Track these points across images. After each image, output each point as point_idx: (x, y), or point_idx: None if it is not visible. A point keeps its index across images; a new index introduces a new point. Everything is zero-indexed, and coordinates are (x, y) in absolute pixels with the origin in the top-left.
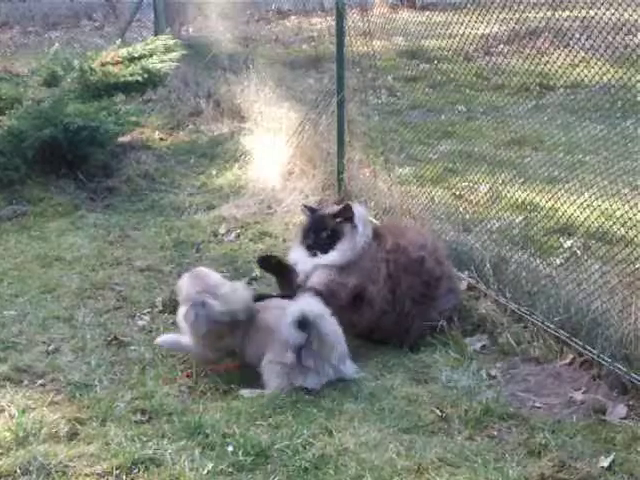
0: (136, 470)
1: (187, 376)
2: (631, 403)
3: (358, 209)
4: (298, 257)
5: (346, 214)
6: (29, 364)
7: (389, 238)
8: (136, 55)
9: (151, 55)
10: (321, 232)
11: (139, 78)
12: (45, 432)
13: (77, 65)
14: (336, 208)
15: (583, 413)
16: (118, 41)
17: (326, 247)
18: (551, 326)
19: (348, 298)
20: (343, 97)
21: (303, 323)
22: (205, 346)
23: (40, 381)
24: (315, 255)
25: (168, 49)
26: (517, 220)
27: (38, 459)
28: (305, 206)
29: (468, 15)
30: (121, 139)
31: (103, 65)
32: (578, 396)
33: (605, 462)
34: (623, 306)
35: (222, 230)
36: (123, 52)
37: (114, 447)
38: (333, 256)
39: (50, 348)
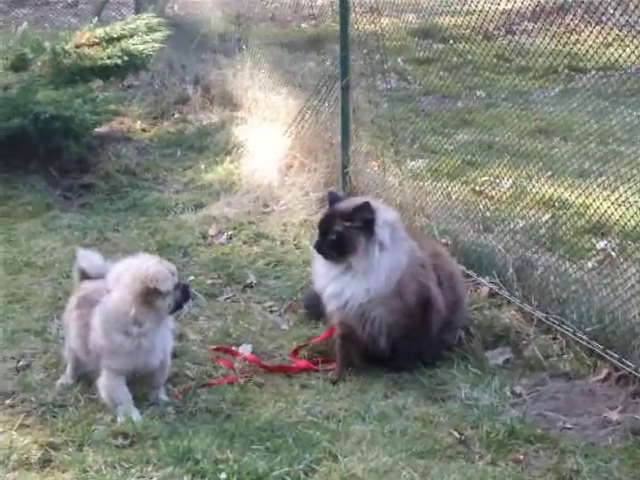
0: None
1: (175, 396)
2: None
3: (382, 211)
4: (322, 275)
5: (361, 217)
6: None
7: (420, 241)
8: (115, 36)
9: (132, 36)
10: (327, 234)
11: (118, 61)
12: (14, 459)
13: (48, 47)
14: (351, 205)
15: (620, 435)
16: (94, 20)
17: (331, 255)
18: (583, 337)
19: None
20: (348, 82)
21: None
22: None
23: (8, 401)
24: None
25: (151, 29)
26: (544, 218)
27: None
28: (330, 193)
29: None
30: (98, 130)
31: (77, 47)
32: (614, 416)
33: None
34: None
35: (212, 231)
36: (100, 32)
37: (92, 475)
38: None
39: (20, 364)
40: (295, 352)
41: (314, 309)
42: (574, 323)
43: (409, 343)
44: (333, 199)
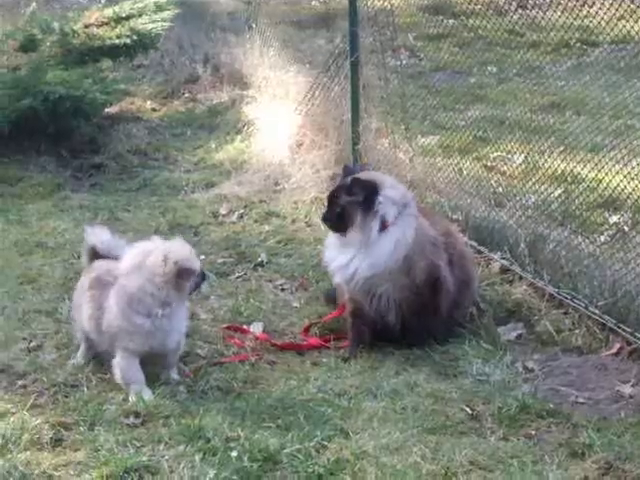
0: (129, 479)
1: (186, 375)
2: None
3: (388, 188)
4: (330, 246)
5: (362, 191)
6: (8, 363)
7: (432, 219)
8: (124, 15)
9: (140, 15)
10: (332, 206)
11: (127, 41)
12: (27, 438)
13: (57, 27)
14: (355, 180)
15: (632, 409)
16: (103, 0)
17: (335, 227)
18: (595, 311)
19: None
20: (357, 59)
21: None
22: None
23: (21, 382)
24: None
25: (160, 7)
26: (556, 193)
27: (19, 468)
28: (345, 166)
29: None
30: (108, 110)
31: (86, 27)
32: (626, 390)
33: None
34: None
35: (223, 210)
36: (109, 12)
37: (104, 454)
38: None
39: (31, 345)
40: (306, 330)
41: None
42: (586, 297)
43: (418, 321)
44: (347, 172)
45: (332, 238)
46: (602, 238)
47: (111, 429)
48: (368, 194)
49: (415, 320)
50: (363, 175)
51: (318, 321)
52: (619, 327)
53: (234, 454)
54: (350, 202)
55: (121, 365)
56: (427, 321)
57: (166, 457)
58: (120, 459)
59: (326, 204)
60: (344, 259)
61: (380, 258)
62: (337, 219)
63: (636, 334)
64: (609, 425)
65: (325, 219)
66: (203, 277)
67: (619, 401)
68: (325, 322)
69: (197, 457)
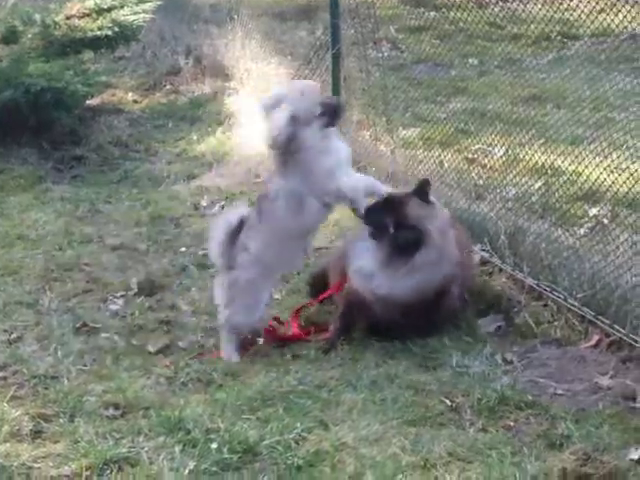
0: (108, 471)
1: (166, 366)
2: None
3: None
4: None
5: (423, 222)
6: None
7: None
8: (105, 7)
9: (122, 6)
10: (390, 221)
11: (109, 32)
12: (6, 430)
13: (39, 19)
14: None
15: (610, 400)
16: None
17: (401, 247)
18: (574, 304)
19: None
20: (339, 51)
21: None
22: None
23: (1, 374)
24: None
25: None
26: (536, 186)
27: None
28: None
29: None
30: (90, 102)
31: (68, 18)
32: (605, 381)
33: (635, 454)
34: None
35: (204, 202)
36: (90, 3)
37: (84, 446)
38: None
39: (12, 337)
40: (297, 312)
41: (315, 289)
42: (565, 290)
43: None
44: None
45: (367, 242)
46: (582, 231)
47: (91, 421)
48: (425, 229)
49: (422, 319)
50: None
51: (311, 302)
52: (598, 319)
53: (214, 446)
54: (409, 229)
55: None
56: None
57: (146, 448)
58: (100, 451)
59: (383, 211)
60: (383, 277)
61: (421, 284)
62: (394, 239)
63: (614, 326)
64: (587, 416)
65: (377, 234)
66: None
67: (597, 393)
68: (320, 302)
69: (177, 448)
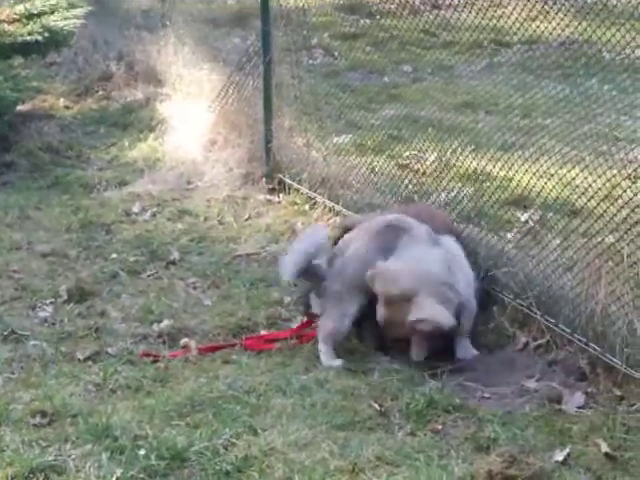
0: (34, 479)
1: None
2: (589, 390)
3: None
4: None
5: None
6: None
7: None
8: (35, 12)
9: (52, 12)
10: None
11: (39, 38)
12: None
13: None
14: None
15: (537, 403)
16: None
17: None
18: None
19: None
20: (271, 58)
21: None
22: None
23: None
24: None
25: (72, 5)
26: (468, 191)
27: None
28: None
29: None
30: (20, 108)
31: None
32: (531, 384)
33: (560, 456)
34: (588, 284)
35: (136, 209)
36: (20, 9)
37: (9, 454)
38: None
39: None
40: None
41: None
42: (498, 294)
43: None
44: None
45: None
46: (510, 236)
47: (17, 429)
48: None
49: None
50: None
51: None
52: (526, 324)
53: (142, 452)
54: None
55: None
56: None
57: (72, 456)
58: (25, 459)
59: None
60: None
61: None
62: None
63: (543, 329)
64: (514, 419)
65: None
66: None
67: (524, 395)
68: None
69: (104, 456)
